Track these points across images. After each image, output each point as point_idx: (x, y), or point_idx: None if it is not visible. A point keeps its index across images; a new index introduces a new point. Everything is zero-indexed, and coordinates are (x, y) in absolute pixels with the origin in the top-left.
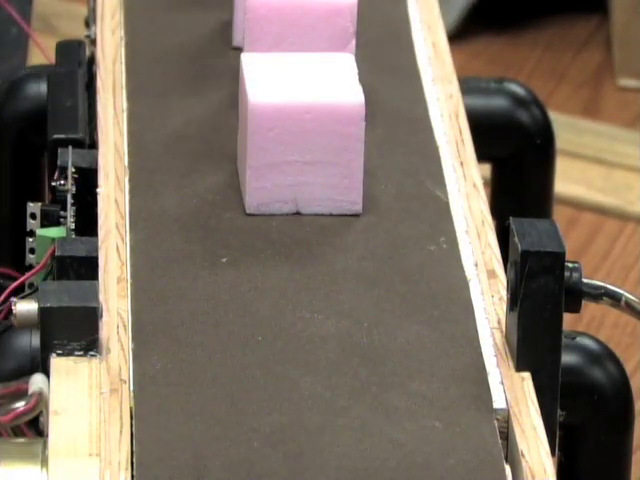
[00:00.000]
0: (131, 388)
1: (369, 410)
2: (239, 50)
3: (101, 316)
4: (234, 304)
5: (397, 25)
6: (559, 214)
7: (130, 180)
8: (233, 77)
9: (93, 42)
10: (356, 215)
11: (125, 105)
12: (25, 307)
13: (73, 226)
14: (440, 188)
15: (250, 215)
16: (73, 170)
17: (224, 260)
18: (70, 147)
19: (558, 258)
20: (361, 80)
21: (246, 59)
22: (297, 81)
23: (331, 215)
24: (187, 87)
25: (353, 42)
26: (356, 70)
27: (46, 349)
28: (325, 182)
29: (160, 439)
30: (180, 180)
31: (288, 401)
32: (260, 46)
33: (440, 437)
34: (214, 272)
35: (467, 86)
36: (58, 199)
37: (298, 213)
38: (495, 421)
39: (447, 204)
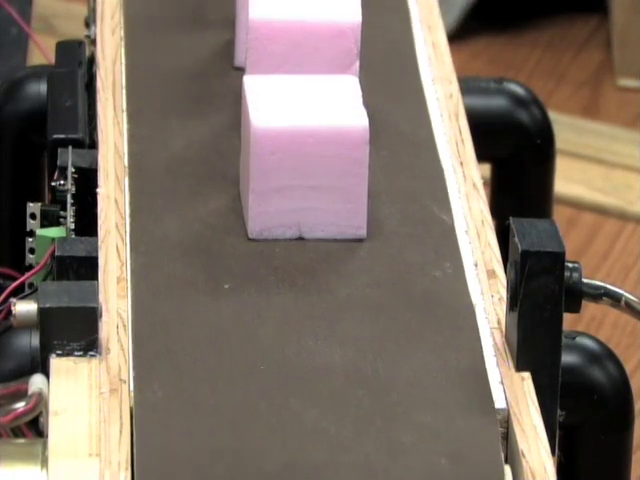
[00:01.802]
0: (134, 414)
1: (374, 445)
2: (241, 70)
3: (101, 316)
4: (237, 332)
5: (401, 45)
6: (559, 214)
7: (131, 203)
8: (235, 98)
9: (93, 42)
10: (360, 240)
11: (126, 126)
12: (25, 307)
13: (73, 226)
14: (445, 212)
15: (253, 240)
16: (73, 170)
17: (226, 286)
18: (70, 147)
19: (558, 258)
20: (365, 102)
21: (248, 82)
22: (300, 104)
23: (335, 240)
24: (189, 108)
25: (357, 63)
26: (360, 93)
27: (46, 349)
28: (329, 207)
29: (162, 470)
30: (182, 204)
31: (291, 436)
32: (263, 67)
33: (447, 475)
34: (216, 299)
35: (467, 86)
36: (58, 199)
37: (301, 238)
38: (496, 421)
39: (452, 228)
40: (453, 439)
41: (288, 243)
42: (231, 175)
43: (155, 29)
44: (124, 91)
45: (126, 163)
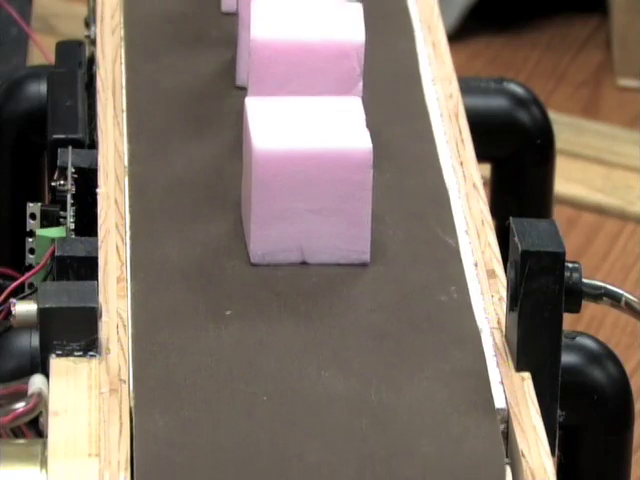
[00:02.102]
0: (135, 445)
1: None
2: (243, 89)
3: (100, 316)
4: (238, 360)
5: (405, 63)
6: (559, 214)
7: (131, 226)
8: (237, 118)
9: (93, 42)
10: (364, 264)
11: (126, 147)
12: (24, 308)
13: (73, 226)
14: (450, 235)
15: (254, 265)
16: (73, 170)
17: (228, 313)
18: (70, 147)
19: (558, 258)
20: (369, 121)
21: (250, 103)
22: (303, 127)
23: (338, 264)
24: (190, 129)
25: (360, 84)
26: (363, 114)
27: (45, 349)
28: (332, 231)
29: None
30: (182, 227)
31: (293, 472)
32: (265, 88)
33: None
34: (218, 326)
35: (467, 86)
36: (58, 199)
37: (304, 262)
38: (497, 422)
39: (457, 251)
40: (459, 473)
41: (291, 268)
42: (232, 198)
43: (156, 47)
44: (124, 112)
45: (126, 184)
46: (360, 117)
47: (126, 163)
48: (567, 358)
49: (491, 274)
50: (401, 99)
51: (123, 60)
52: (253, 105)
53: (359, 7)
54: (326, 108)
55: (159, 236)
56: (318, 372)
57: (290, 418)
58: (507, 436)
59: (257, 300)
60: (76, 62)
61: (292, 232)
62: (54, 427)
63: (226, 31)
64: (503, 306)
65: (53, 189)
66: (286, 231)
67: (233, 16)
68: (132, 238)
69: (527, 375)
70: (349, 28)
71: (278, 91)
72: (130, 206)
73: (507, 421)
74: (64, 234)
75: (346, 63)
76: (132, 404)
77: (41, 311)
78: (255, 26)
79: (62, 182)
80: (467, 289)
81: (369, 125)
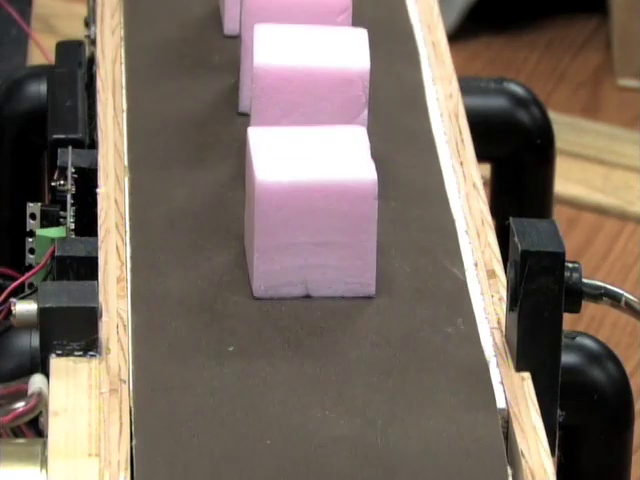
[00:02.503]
0: None
1: None
2: (245, 116)
3: (100, 316)
4: (241, 400)
5: (411, 89)
6: (559, 214)
7: (132, 258)
8: (239, 146)
9: (93, 42)
10: (369, 297)
11: (127, 176)
12: (24, 307)
13: (73, 226)
14: (457, 266)
15: (258, 299)
16: (73, 170)
17: (231, 349)
18: (70, 147)
19: (558, 258)
20: (373, 149)
21: (253, 134)
22: (306, 158)
23: (343, 298)
24: (191, 157)
25: (365, 112)
26: (368, 145)
27: (46, 349)
28: (336, 264)
29: None
30: (184, 259)
31: None
32: (268, 116)
33: None
34: (220, 362)
35: (467, 86)
36: (58, 199)
37: (308, 296)
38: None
39: (464, 283)
40: None
41: (294, 302)
42: (235, 228)
43: (157, 73)
44: (125, 139)
45: (127, 214)
46: (365, 147)
47: (127, 192)
48: (567, 358)
49: (491, 274)
50: (406, 129)
51: (124, 85)
52: (256, 135)
53: (364, 33)
54: (330, 138)
55: (161, 268)
56: (322, 412)
57: (294, 463)
58: (507, 436)
59: (260, 335)
60: (76, 62)
61: (296, 265)
62: (54, 427)
63: (228, 54)
64: (503, 306)
65: (53, 189)
66: (290, 264)
67: (235, 39)
68: (133, 270)
69: (527, 375)
70: (354, 55)
71: (282, 119)
72: (131, 237)
73: (507, 421)
74: (64, 234)
75: (351, 90)
76: (133, 443)
77: (41, 311)
78: (258, 53)
79: (62, 182)
80: (474, 320)
81: (374, 153)
